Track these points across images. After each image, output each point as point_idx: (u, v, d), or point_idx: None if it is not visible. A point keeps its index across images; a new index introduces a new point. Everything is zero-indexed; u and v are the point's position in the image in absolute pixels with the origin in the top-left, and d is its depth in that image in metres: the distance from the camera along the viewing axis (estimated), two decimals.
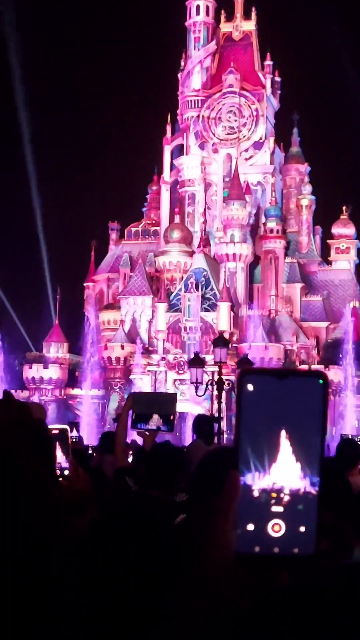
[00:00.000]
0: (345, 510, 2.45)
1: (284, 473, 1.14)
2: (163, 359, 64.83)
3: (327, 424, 1.17)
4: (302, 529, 1.15)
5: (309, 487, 1.14)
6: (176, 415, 5.67)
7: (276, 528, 1.14)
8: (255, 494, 1.14)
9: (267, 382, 1.15)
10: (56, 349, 69.75)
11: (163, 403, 5.78)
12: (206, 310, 64.88)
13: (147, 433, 5.85)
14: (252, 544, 1.14)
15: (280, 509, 1.14)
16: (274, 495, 1.14)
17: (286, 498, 1.14)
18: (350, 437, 10.37)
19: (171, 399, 5.95)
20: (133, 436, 6.94)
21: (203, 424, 9.20)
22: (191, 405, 51.94)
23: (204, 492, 2.10)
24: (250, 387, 1.15)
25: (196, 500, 2.25)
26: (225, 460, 2.11)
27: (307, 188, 73.48)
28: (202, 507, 1.92)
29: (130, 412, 5.63)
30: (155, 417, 5.56)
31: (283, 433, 1.14)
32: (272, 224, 68.45)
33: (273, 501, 1.14)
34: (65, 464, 3.11)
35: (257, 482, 1.14)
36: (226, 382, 28.49)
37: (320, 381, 1.15)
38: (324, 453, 1.17)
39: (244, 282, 66.99)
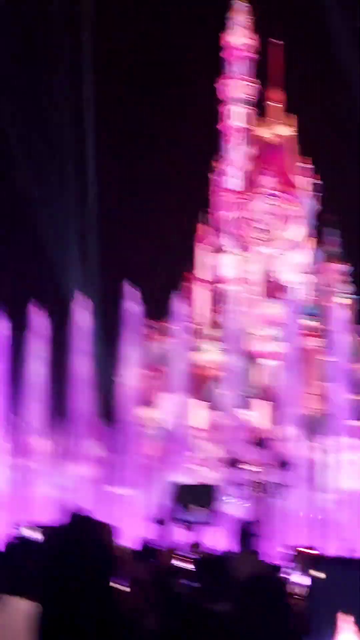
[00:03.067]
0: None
1: None
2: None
3: None
4: None
5: None
6: (214, 506, 5.46)
7: None
8: None
9: None
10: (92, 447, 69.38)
11: (201, 494, 5.61)
12: (244, 407, 64.45)
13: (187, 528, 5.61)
14: None
15: None
16: None
17: None
18: None
19: (209, 490, 5.79)
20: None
21: (246, 533, 8.95)
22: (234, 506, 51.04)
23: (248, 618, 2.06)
24: None
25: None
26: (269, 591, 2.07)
27: (347, 287, 73.64)
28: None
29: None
30: (194, 507, 5.34)
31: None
32: (310, 322, 68.49)
33: None
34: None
35: None
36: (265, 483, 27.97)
37: None
38: None
39: (283, 379, 66.65)
